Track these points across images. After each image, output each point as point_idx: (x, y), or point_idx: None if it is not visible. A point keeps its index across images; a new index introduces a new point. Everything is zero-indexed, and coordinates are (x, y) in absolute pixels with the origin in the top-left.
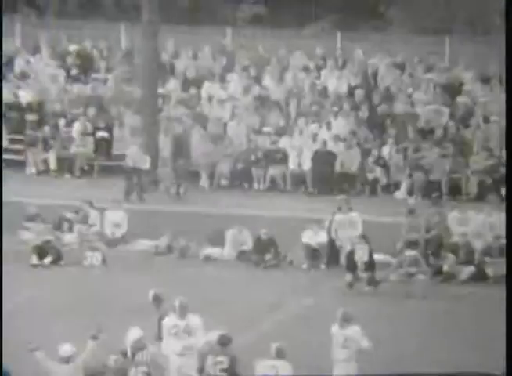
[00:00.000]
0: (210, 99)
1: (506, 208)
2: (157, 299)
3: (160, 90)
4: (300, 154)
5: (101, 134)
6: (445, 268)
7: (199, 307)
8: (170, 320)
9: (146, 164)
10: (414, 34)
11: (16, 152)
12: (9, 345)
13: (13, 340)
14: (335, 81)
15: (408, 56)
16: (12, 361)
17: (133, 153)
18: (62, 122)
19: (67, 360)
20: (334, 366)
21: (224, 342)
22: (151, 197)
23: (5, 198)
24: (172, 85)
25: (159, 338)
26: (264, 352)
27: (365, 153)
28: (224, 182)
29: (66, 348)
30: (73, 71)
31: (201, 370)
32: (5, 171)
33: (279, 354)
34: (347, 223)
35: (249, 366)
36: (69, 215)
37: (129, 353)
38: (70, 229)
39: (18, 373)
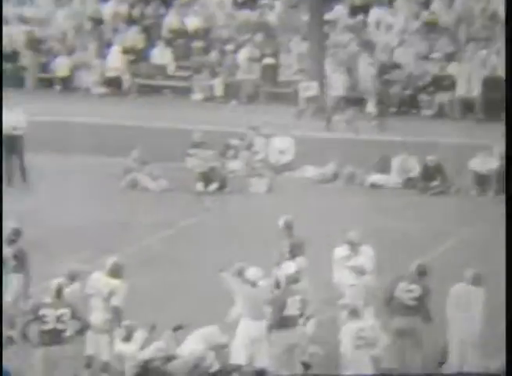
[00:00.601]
0: (377, 25)
1: (506, 209)
2: (289, 226)
3: (327, 16)
4: (469, 80)
5: (267, 60)
6: None
7: (365, 235)
8: (342, 251)
9: (312, 90)
10: None
11: (183, 79)
12: None
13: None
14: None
15: None
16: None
17: (298, 79)
18: (228, 48)
19: (254, 284)
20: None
21: (421, 272)
22: (318, 123)
23: (171, 125)
24: (339, 11)
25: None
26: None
27: None
28: (391, 108)
29: (253, 272)
30: None
31: (390, 295)
32: (171, 98)
33: (475, 281)
34: None
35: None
36: (234, 142)
37: (283, 284)
38: (236, 156)
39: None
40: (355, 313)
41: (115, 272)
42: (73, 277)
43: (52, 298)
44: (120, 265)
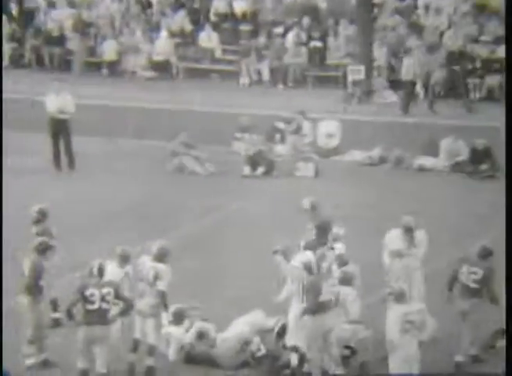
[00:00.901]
0: (426, 7)
1: (506, 213)
2: (314, 208)
3: None
4: None
5: (315, 44)
6: None
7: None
8: (396, 235)
9: (360, 74)
10: None
11: (230, 62)
12: None
13: None
14: None
15: None
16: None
17: (346, 63)
18: (276, 32)
19: (309, 268)
20: None
21: (485, 253)
22: (364, 107)
23: (218, 109)
24: None
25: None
26: None
27: None
28: (439, 91)
29: (306, 254)
30: None
31: (453, 279)
32: (218, 82)
33: None
34: None
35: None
36: (281, 126)
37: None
38: (283, 140)
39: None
40: (401, 297)
41: (161, 256)
42: (125, 259)
43: (95, 278)
44: (167, 249)
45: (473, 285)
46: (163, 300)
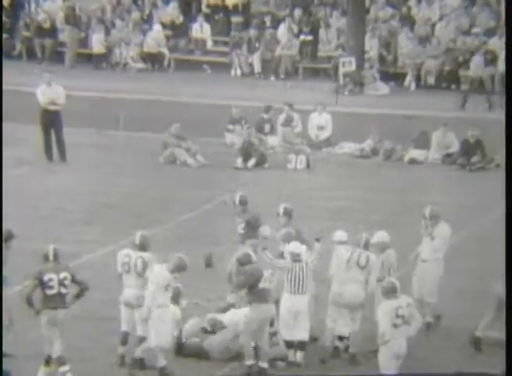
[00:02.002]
0: None
1: (506, 214)
2: (243, 202)
3: None
4: None
5: (306, 36)
6: None
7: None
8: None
9: (351, 65)
10: None
11: (222, 54)
12: None
13: None
14: None
15: None
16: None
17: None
18: (267, 24)
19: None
20: None
21: None
22: (356, 98)
23: (209, 101)
24: None
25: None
26: None
27: None
28: (430, 83)
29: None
30: None
31: None
32: (210, 74)
33: None
34: None
35: None
36: (266, 116)
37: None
38: (273, 131)
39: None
40: (392, 292)
41: (144, 244)
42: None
43: (51, 263)
44: (147, 237)
45: None
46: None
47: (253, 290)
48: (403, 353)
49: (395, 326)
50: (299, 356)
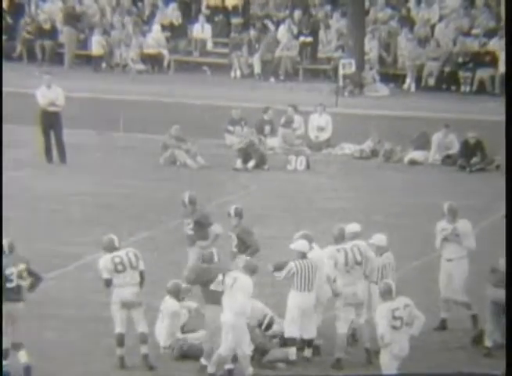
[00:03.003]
0: (418, 0)
1: (506, 214)
2: (192, 202)
3: None
4: None
5: (306, 37)
6: None
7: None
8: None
9: (351, 67)
10: None
11: (222, 55)
12: None
13: None
14: None
15: None
16: None
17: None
18: (267, 25)
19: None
20: None
21: None
22: (355, 100)
23: (209, 102)
24: None
25: None
26: None
27: None
28: (430, 84)
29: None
30: None
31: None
32: (210, 75)
33: None
34: None
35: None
36: (267, 117)
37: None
38: (273, 132)
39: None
40: (388, 294)
41: (109, 246)
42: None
43: (8, 256)
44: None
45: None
46: (143, 280)
47: (204, 290)
48: (405, 355)
49: (394, 328)
50: (307, 352)
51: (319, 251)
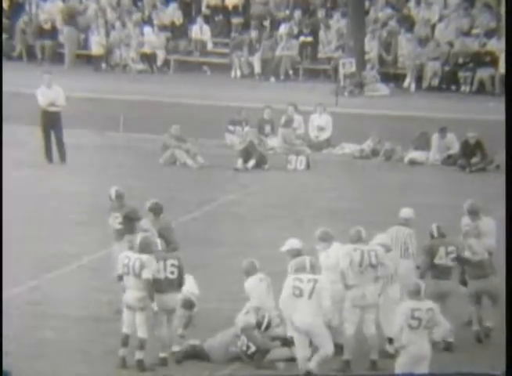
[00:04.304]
0: (418, 0)
1: (506, 214)
2: (119, 197)
3: None
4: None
5: (306, 37)
6: None
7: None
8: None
9: (351, 67)
10: None
11: (222, 55)
12: None
13: None
14: None
15: None
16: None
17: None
18: (267, 25)
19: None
20: None
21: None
22: (356, 100)
23: (209, 102)
24: None
25: None
26: None
27: None
28: (431, 84)
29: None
30: None
31: None
32: (210, 75)
33: None
34: None
35: None
36: (267, 116)
37: None
38: (273, 132)
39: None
40: (416, 293)
41: (144, 247)
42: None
43: None
44: (150, 239)
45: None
46: (149, 289)
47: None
48: (425, 355)
49: (411, 327)
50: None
51: (338, 249)
